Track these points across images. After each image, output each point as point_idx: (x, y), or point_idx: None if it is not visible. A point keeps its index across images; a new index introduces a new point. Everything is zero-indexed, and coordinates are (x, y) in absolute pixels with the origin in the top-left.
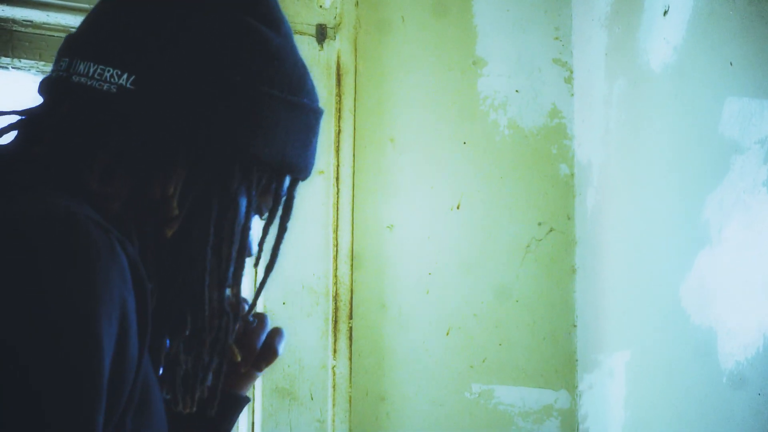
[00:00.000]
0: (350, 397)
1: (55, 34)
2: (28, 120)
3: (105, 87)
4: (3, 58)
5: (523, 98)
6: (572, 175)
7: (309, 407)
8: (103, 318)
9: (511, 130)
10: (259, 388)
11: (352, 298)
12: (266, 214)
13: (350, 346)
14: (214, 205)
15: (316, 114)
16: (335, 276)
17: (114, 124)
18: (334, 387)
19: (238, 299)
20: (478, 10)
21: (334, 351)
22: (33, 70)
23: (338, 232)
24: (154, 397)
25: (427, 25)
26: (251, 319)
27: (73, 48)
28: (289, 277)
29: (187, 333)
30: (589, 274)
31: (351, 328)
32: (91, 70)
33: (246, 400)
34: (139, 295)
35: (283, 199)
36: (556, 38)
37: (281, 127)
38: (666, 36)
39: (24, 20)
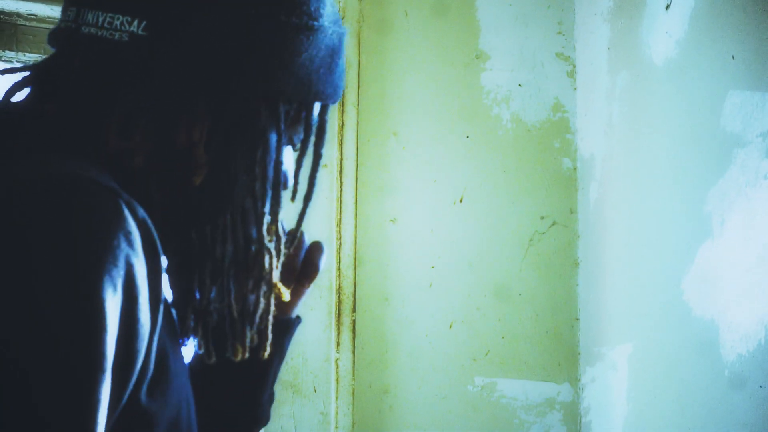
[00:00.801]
0: (353, 389)
1: None
2: (40, 75)
3: (116, 36)
4: (7, 52)
5: (526, 92)
6: (575, 168)
7: (312, 400)
8: (105, 286)
9: (514, 124)
10: None
11: (355, 291)
12: (298, 145)
13: (353, 339)
14: (242, 145)
15: (339, 36)
16: (338, 269)
17: (129, 75)
18: (337, 380)
19: (278, 235)
20: (480, 5)
21: (338, 344)
22: None
23: (341, 226)
24: (175, 368)
25: (430, 19)
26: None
27: None
28: None
29: (226, 278)
30: (592, 267)
31: (354, 321)
32: (100, 19)
33: (295, 322)
34: (150, 258)
35: (315, 125)
36: (559, 33)
37: (305, 56)
38: (668, 30)
39: (28, 14)
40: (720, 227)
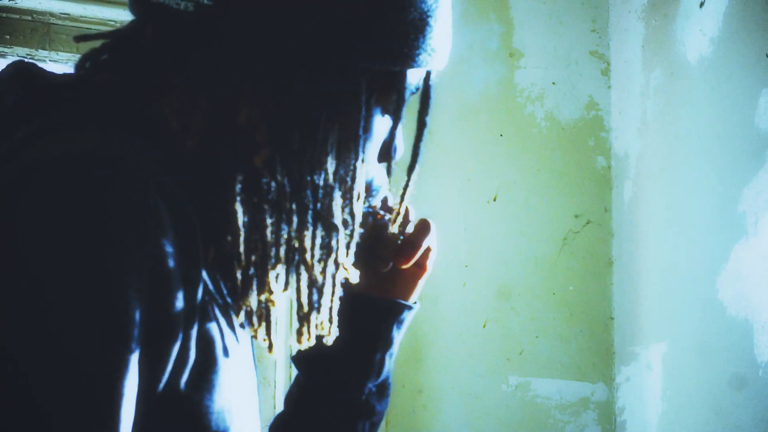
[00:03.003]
0: None
1: (93, 26)
2: (115, 43)
3: (182, 6)
4: (41, 51)
5: (559, 90)
6: (609, 167)
7: None
8: (130, 272)
9: (548, 123)
10: (282, 382)
11: None
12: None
13: None
14: (321, 123)
15: None
16: None
17: (192, 47)
18: None
19: (353, 213)
20: (514, 3)
21: None
22: (70, 63)
23: None
24: (225, 357)
25: (463, 17)
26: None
27: None
28: None
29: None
30: (626, 266)
31: None
32: None
33: (400, 306)
34: (183, 242)
35: (413, 93)
36: (593, 30)
37: (390, 18)
38: (702, 28)
39: (61, 13)
40: (754, 226)
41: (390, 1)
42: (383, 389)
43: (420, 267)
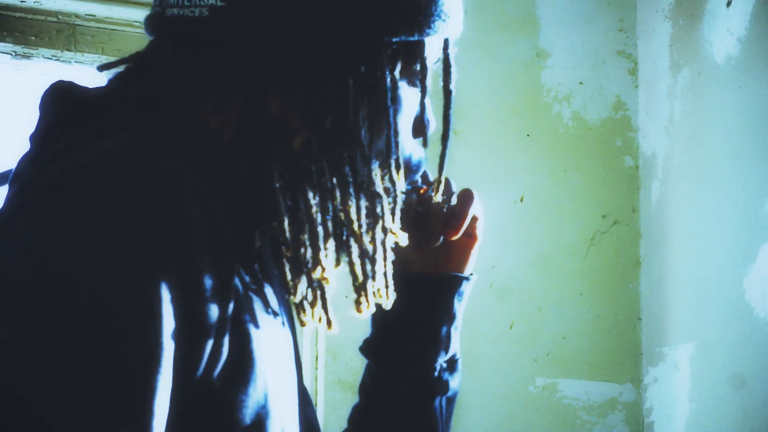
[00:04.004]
0: None
1: (118, 28)
2: (137, 64)
3: (197, 12)
4: (66, 52)
5: (587, 90)
6: (637, 167)
7: None
8: (156, 274)
9: (574, 123)
10: (321, 381)
11: None
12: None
13: None
14: (349, 99)
15: None
16: None
17: (214, 49)
18: None
19: (392, 180)
20: (540, 2)
21: None
22: (96, 64)
23: None
24: (262, 352)
25: (489, 17)
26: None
27: None
28: None
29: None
30: (654, 266)
31: None
32: None
33: (458, 278)
34: (214, 242)
35: (435, 62)
36: (620, 30)
37: None
38: (729, 27)
39: (87, 14)
40: None
41: None
42: (453, 364)
43: (470, 237)
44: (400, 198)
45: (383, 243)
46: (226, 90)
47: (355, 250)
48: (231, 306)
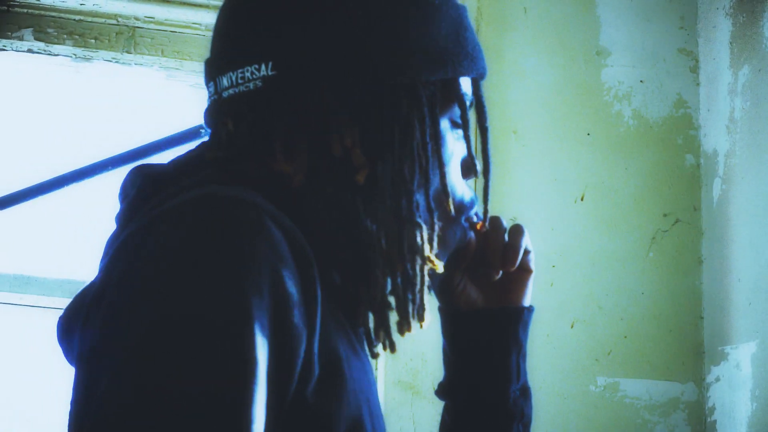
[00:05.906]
0: None
1: (177, 30)
2: (207, 142)
3: (251, 86)
4: (126, 54)
5: (647, 88)
6: (698, 165)
7: (432, 401)
8: (251, 294)
9: (635, 121)
10: (381, 381)
11: None
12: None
13: None
14: (396, 134)
15: (457, 10)
16: None
17: (274, 111)
18: None
19: (430, 208)
20: (600, 0)
21: None
22: (156, 66)
23: None
24: (352, 372)
25: (549, 15)
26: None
27: (212, 69)
28: None
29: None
30: (716, 265)
31: None
32: (233, 78)
33: (522, 310)
34: (300, 265)
35: (469, 102)
36: (681, 27)
37: (429, 31)
38: None
39: (146, 17)
40: None
41: (428, 19)
42: (525, 391)
43: (525, 270)
44: (437, 226)
45: (422, 269)
46: (293, 139)
47: (399, 276)
48: (318, 322)
